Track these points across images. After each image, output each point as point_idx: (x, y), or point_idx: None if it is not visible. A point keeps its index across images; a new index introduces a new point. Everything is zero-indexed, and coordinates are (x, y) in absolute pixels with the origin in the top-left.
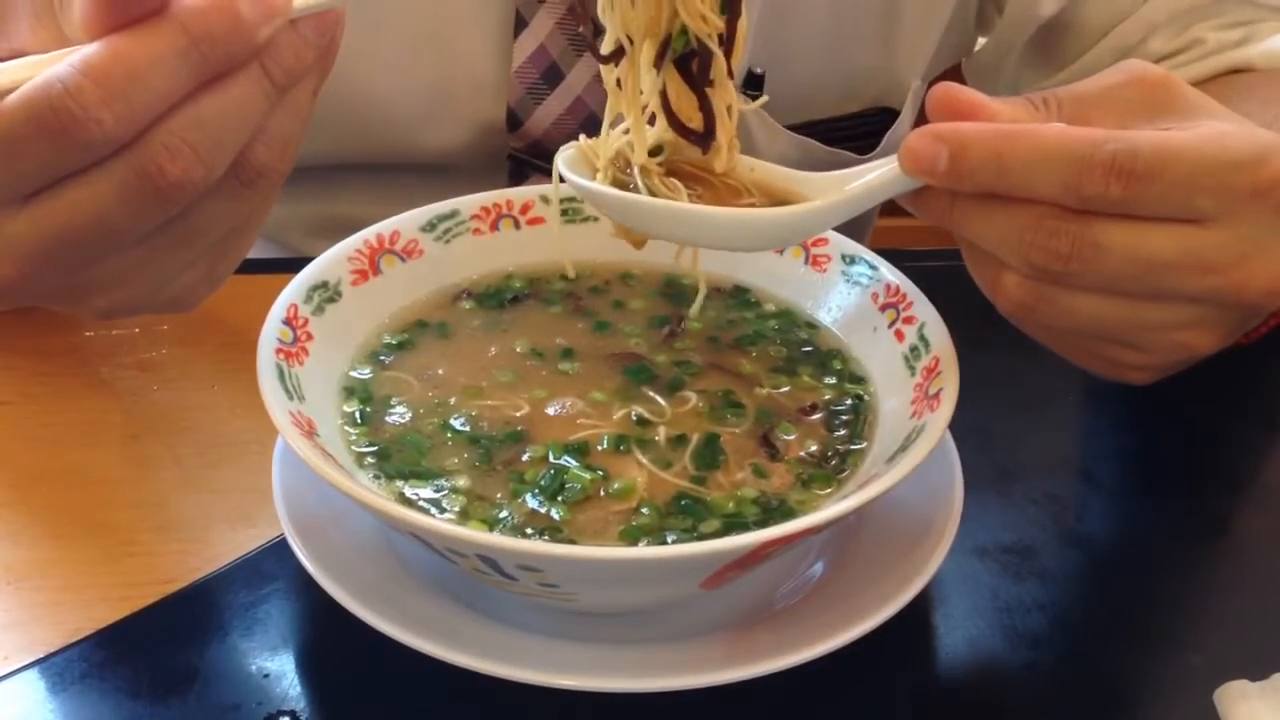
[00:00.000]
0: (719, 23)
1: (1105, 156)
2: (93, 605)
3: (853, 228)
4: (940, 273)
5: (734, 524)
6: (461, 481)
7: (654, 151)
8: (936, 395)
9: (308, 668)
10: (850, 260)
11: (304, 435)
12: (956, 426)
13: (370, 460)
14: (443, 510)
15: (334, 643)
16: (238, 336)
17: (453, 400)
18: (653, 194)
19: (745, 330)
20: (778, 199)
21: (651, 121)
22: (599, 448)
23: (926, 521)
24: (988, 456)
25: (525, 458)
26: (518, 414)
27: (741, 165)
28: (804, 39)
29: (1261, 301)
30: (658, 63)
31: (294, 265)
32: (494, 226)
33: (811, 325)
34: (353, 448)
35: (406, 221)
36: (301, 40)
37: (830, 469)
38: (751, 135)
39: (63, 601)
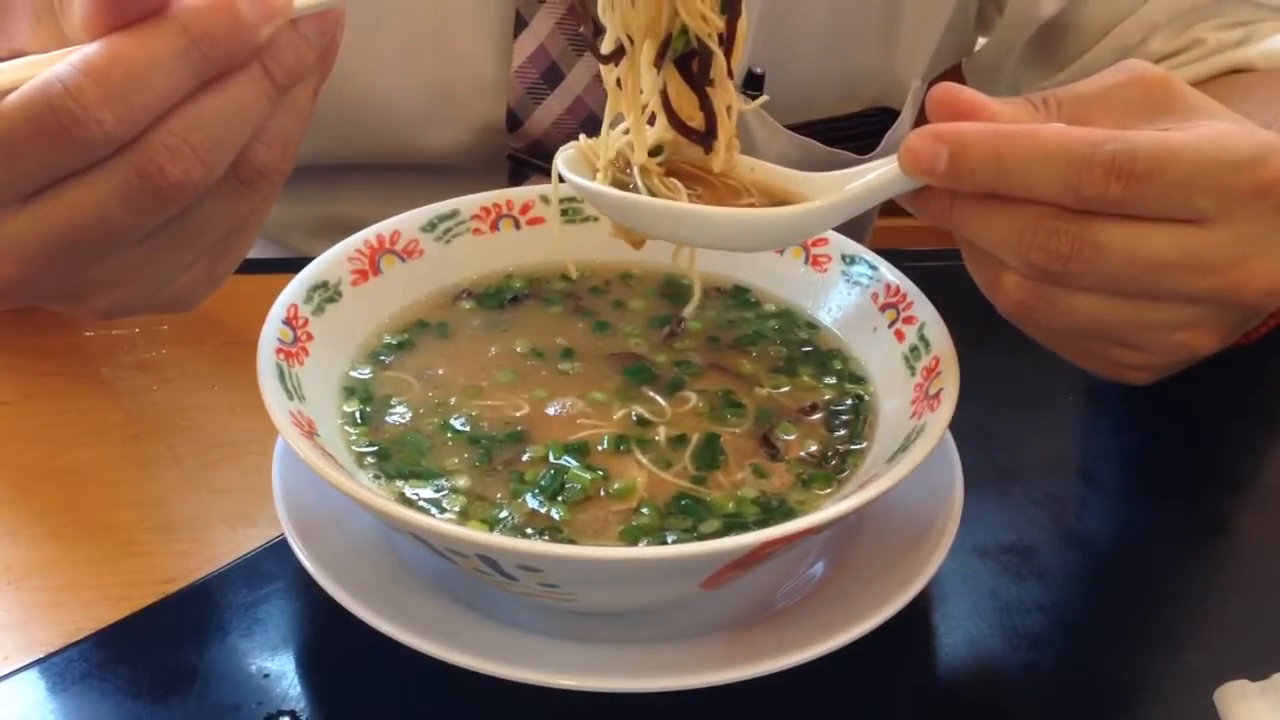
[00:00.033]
0: (719, 22)
1: (1105, 156)
2: (93, 605)
3: (853, 228)
4: (940, 273)
5: (734, 524)
6: (461, 481)
7: (654, 151)
8: (936, 395)
9: (308, 668)
10: (850, 260)
11: (304, 435)
12: (956, 426)
13: (370, 460)
14: (443, 510)
15: (334, 643)
16: (238, 336)
17: (453, 400)
18: (652, 194)
19: (745, 330)
20: (778, 199)
21: (651, 121)
22: (599, 448)
23: (926, 521)
24: (988, 456)
25: (525, 458)
26: (518, 414)
27: (741, 165)
28: (804, 39)
29: (1261, 301)
30: (658, 62)
31: (294, 265)
32: (494, 226)
33: (811, 325)
34: (353, 448)
35: (406, 221)
36: (302, 40)
37: (830, 469)
38: (751, 135)
39: (63, 601)
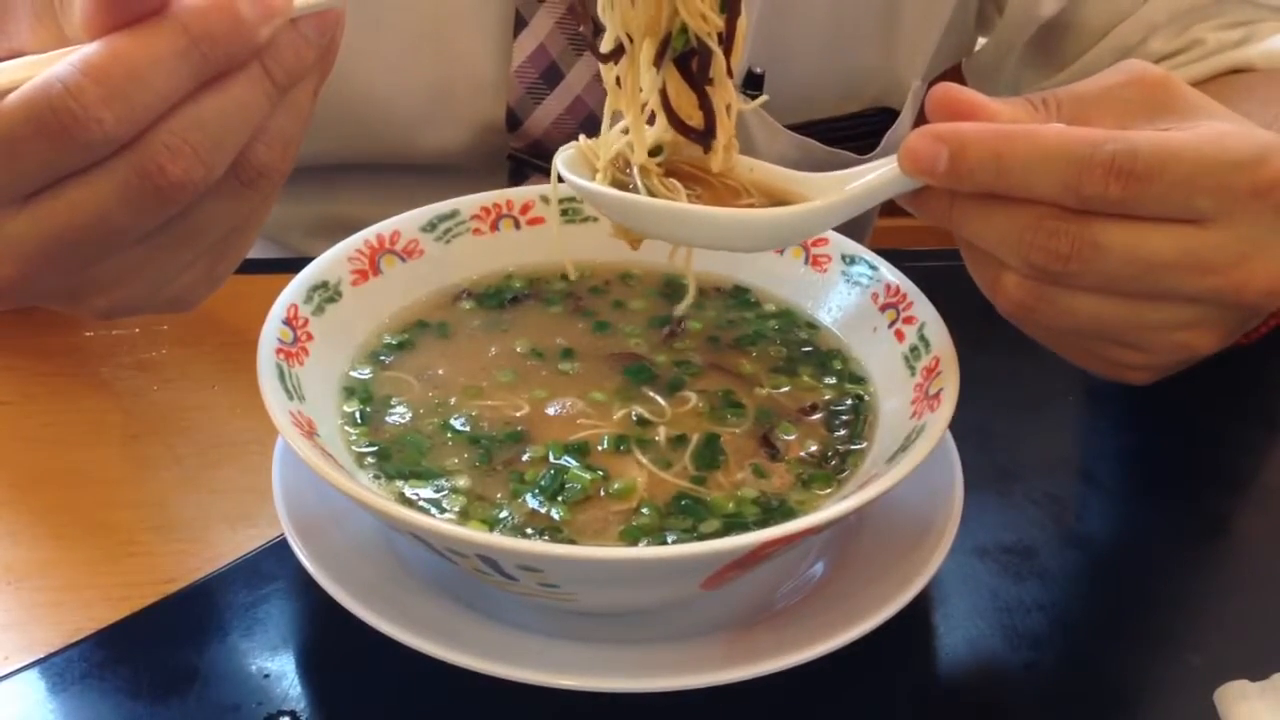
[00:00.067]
0: (719, 21)
1: (1105, 157)
2: (93, 605)
3: (853, 228)
4: (940, 273)
5: (734, 524)
6: (462, 481)
7: (653, 152)
8: (936, 395)
9: (308, 668)
10: (850, 260)
11: (304, 435)
12: (956, 426)
13: (370, 460)
14: (443, 510)
15: (334, 643)
16: (238, 336)
17: (453, 400)
18: (652, 194)
19: (745, 330)
20: (777, 199)
21: (651, 121)
22: (599, 448)
23: (926, 521)
24: (988, 456)
25: (525, 458)
26: (518, 414)
27: (741, 165)
28: (804, 39)
29: (1261, 301)
30: (657, 61)
31: (294, 265)
32: (494, 226)
33: (811, 325)
34: (353, 448)
35: (406, 221)
36: (302, 40)
37: (830, 469)
38: (751, 135)
39: (63, 601)
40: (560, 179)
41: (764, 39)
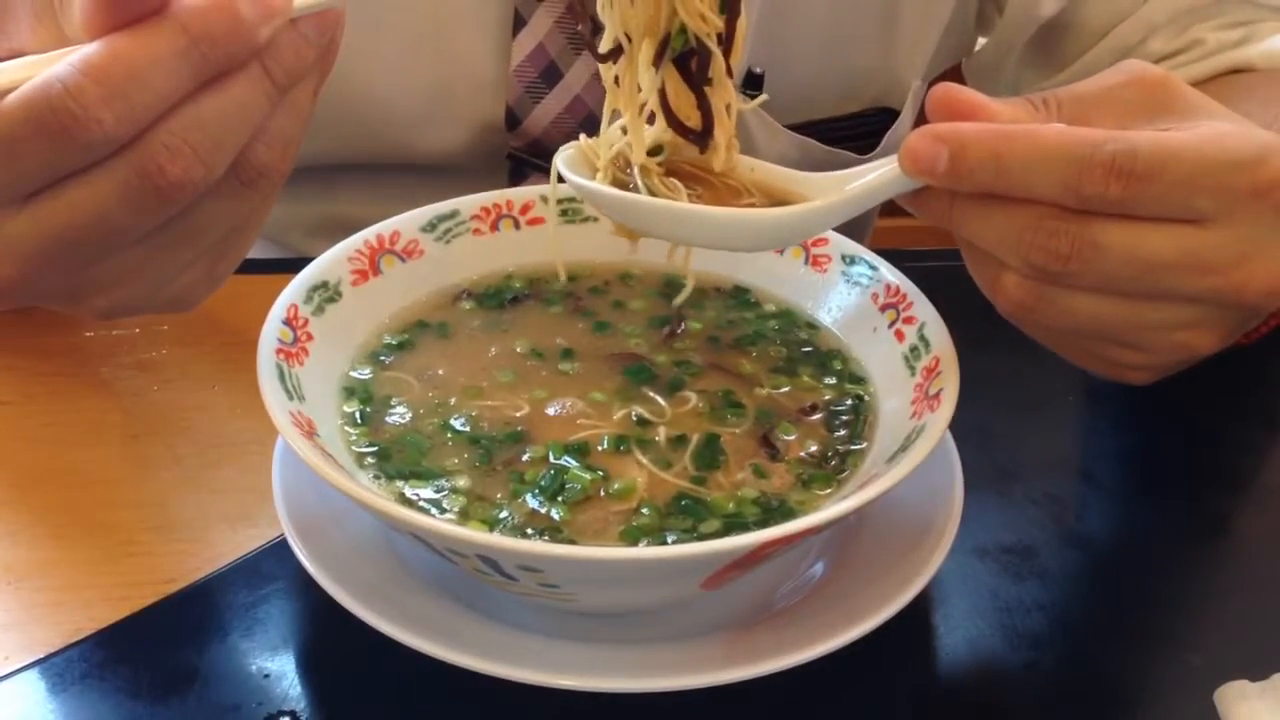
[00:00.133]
0: (718, 22)
1: (1105, 157)
2: (93, 605)
3: (853, 228)
4: (940, 273)
5: (734, 524)
6: (462, 482)
7: (654, 151)
8: (936, 395)
9: (308, 668)
10: (850, 260)
11: (304, 435)
12: (956, 426)
13: (370, 460)
14: (443, 510)
15: (334, 643)
16: (238, 336)
17: (453, 400)
18: (652, 194)
19: (745, 330)
20: (778, 199)
21: (651, 121)
22: (599, 448)
23: (926, 521)
24: (988, 456)
25: (525, 458)
26: (518, 414)
27: (741, 165)
28: (804, 39)
29: (1261, 302)
30: (656, 61)
31: (294, 265)
32: (494, 227)
33: (812, 325)
34: (353, 448)
35: (406, 221)
36: (302, 40)
37: (830, 469)
38: (751, 135)
39: (63, 601)
40: (560, 178)
41: (764, 39)
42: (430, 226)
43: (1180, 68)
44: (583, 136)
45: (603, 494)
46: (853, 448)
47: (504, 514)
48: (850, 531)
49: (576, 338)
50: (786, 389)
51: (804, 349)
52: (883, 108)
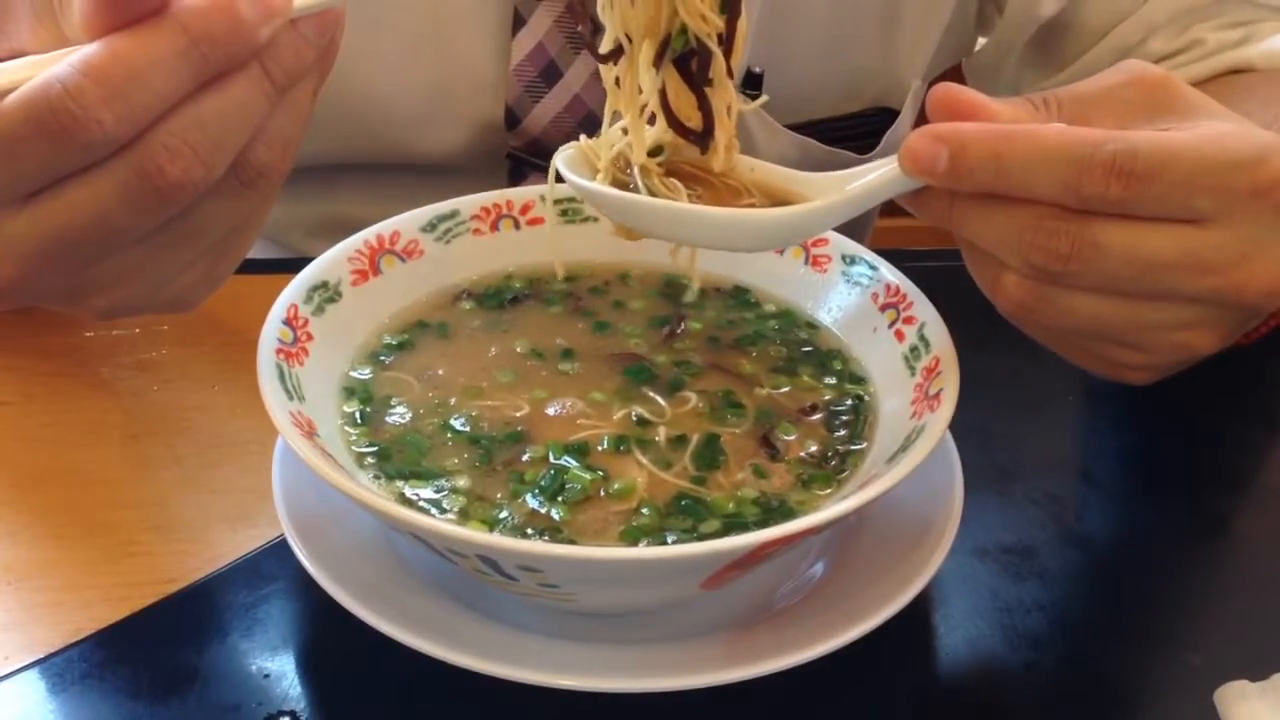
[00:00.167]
0: (718, 22)
1: (1105, 157)
2: (93, 605)
3: (853, 228)
4: (940, 273)
5: (734, 524)
6: (462, 482)
7: (654, 151)
8: (936, 395)
9: (308, 668)
10: (850, 260)
11: (304, 435)
12: (956, 426)
13: (370, 460)
14: (443, 510)
15: (334, 643)
16: (238, 336)
17: (453, 400)
18: (652, 194)
19: (745, 330)
20: (778, 199)
21: (651, 121)
22: (599, 448)
23: (926, 521)
24: (988, 456)
25: (525, 458)
26: (518, 414)
27: (741, 165)
28: (804, 39)
29: (1261, 302)
30: (657, 62)
31: (294, 265)
32: (494, 227)
33: (812, 325)
34: (353, 448)
35: (406, 221)
36: (302, 40)
37: (830, 469)
38: (751, 135)
39: (63, 601)
40: (560, 178)
41: (764, 39)
42: (430, 226)
43: (1180, 68)
44: (583, 137)
45: (603, 494)
46: (853, 448)
47: (504, 514)
48: (850, 531)
49: (576, 338)
50: (786, 389)
51: (804, 349)
52: (883, 108)
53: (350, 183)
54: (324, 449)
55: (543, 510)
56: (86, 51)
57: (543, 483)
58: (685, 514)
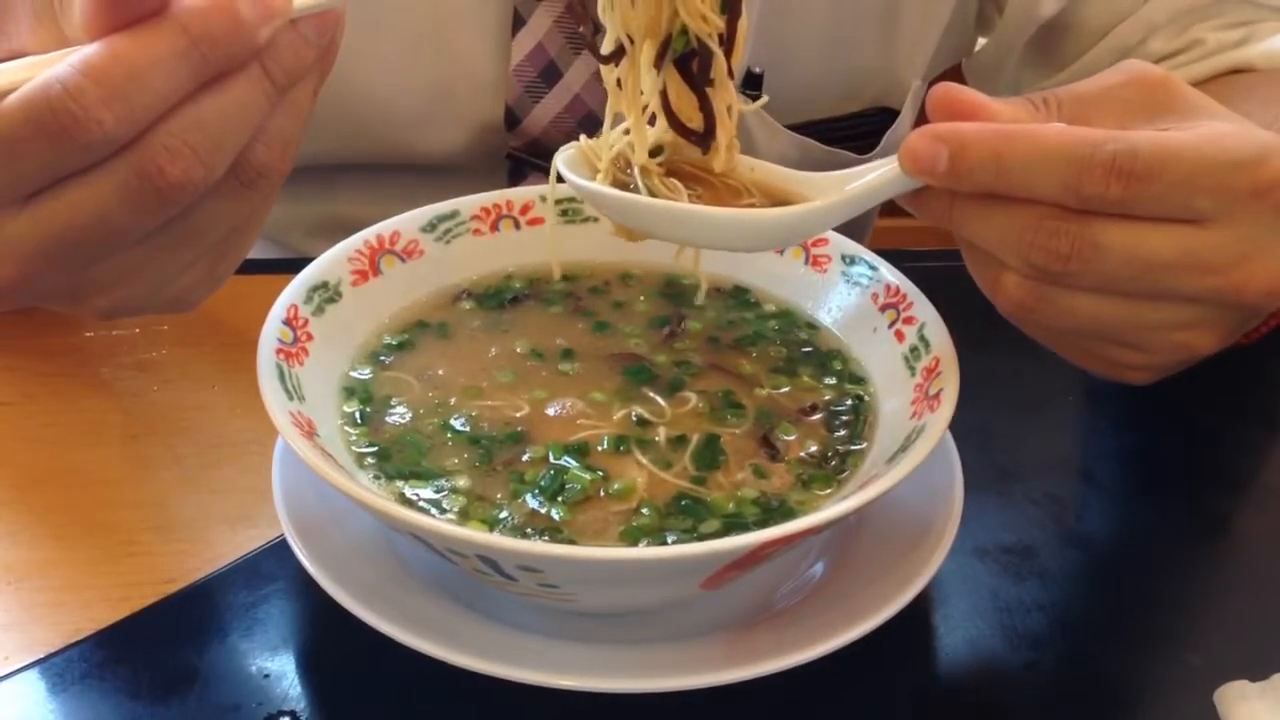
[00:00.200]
0: (719, 23)
1: (1105, 157)
2: (93, 605)
3: (853, 228)
4: (940, 273)
5: (734, 524)
6: (461, 482)
7: (654, 152)
8: (936, 395)
9: (308, 668)
10: (850, 261)
11: (304, 435)
12: (956, 426)
13: (370, 461)
14: (443, 511)
15: (334, 643)
16: (238, 336)
17: (453, 400)
18: (653, 194)
19: (745, 331)
20: (778, 199)
21: (651, 121)
22: (599, 448)
23: (926, 521)
24: (988, 456)
25: (525, 458)
26: (518, 414)
27: (741, 165)
28: (804, 39)
29: (1261, 302)
30: (658, 63)
31: (294, 265)
32: (494, 227)
33: (812, 326)
34: (353, 448)
35: (406, 222)
36: (301, 40)
37: (830, 469)
38: (751, 135)
39: (63, 601)
40: (560, 178)
41: (764, 39)
42: (430, 226)
43: (1180, 68)
44: (583, 137)
45: (603, 494)
46: (853, 448)
47: (504, 514)
48: (850, 531)
49: (576, 338)
50: (786, 389)
51: (804, 349)
52: (883, 108)
53: (350, 183)
54: (324, 449)
55: (543, 510)
56: (86, 52)
57: (543, 483)
58: (685, 514)
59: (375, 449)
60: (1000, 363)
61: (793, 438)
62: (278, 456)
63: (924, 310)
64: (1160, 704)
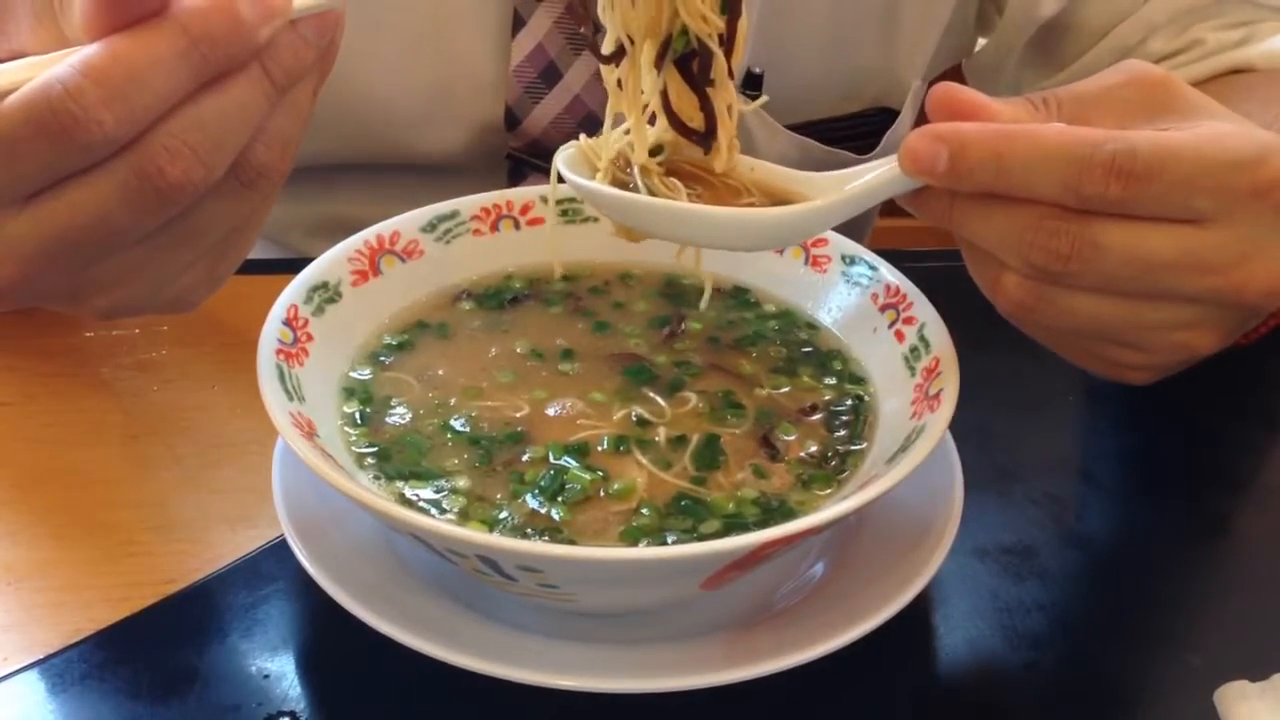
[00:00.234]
0: (719, 23)
1: (1105, 157)
2: (93, 605)
3: (853, 228)
4: (940, 273)
5: (734, 524)
6: (461, 482)
7: (654, 151)
8: (936, 396)
9: (308, 668)
10: (850, 261)
11: (304, 436)
12: (956, 426)
13: (370, 461)
14: (443, 511)
15: (334, 643)
16: (238, 337)
17: (453, 401)
18: (652, 194)
19: (745, 331)
20: (778, 199)
21: (651, 121)
22: (599, 448)
23: (926, 522)
24: (988, 456)
25: (525, 458)
26: (518, 415)
27: (741, 165)
28: (804, 39)
29: (1261, 302)
30: (658, 63)
31: (294, 265)
32: (494, 227)
33: (812, 326)
34: (353, 448)
35: (406, 222)
36: (301, 40)
37: (830, 469)
38: (751, 135)
39: (63, 602)
40: (560, 178)
41: (764, 39)
42: (430, 227)
43: (1180, 68)
44: (582, 136)
45: (603, 494)
46: (853, 448)
47: (504, 514)
48: (850, 531)
49: (576, 338)
50: (786, 389)
51: (804, 349)
52: (883, 108)
53: (350, 183)
54: (324, 449)
55: (543, 510)
56: (87, 52)
57: (543, 483)
58: (685, 514)
59: (375, 449)
60: (1000, 363)
61: (793, 438)
62: (278, 457)
63: (924, 310)
64: (1160, 704)
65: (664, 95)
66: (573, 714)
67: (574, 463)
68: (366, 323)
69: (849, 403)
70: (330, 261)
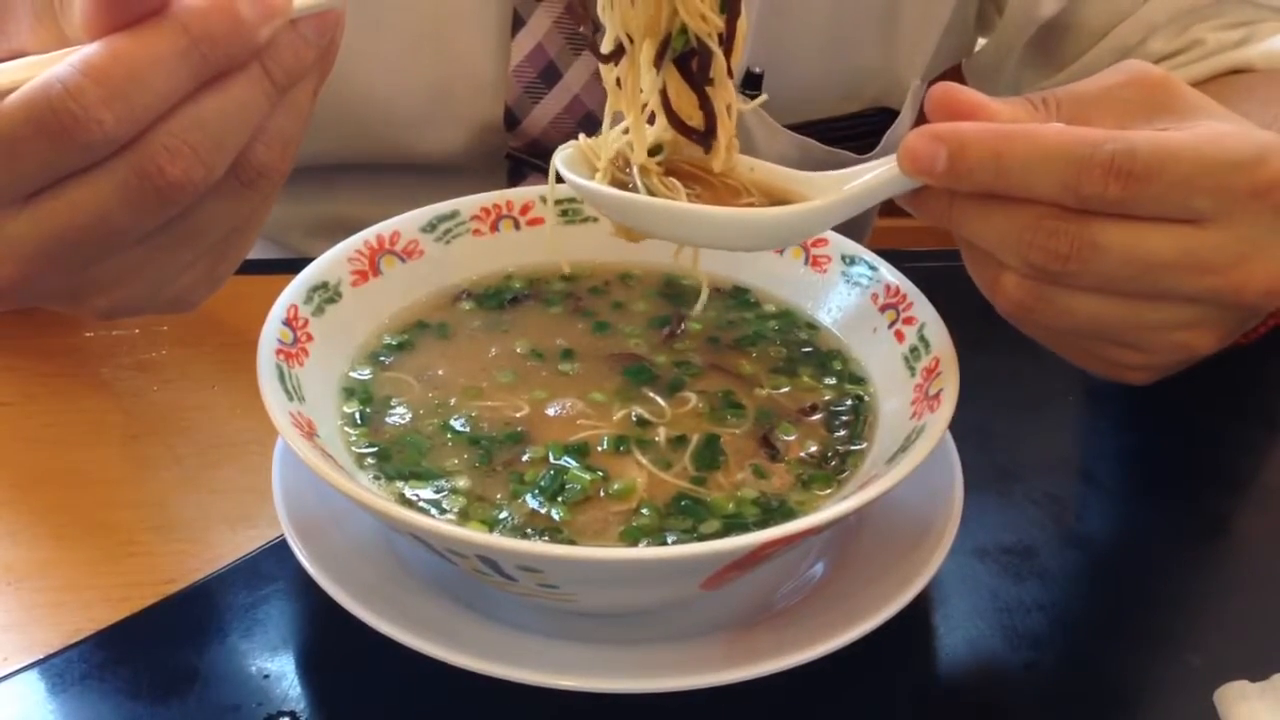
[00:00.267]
0: (719, 22)
1: (1104, 157)
2: (93, 605)
3: (852, 228)
4: (940, 273)
5: (734, 524)
6: (461, 482)
7: (653, 151)
8: (936, 396)
9: (308, 668)
10: (850, 261)
11: (304, 436)
12: (956, 426)
13: (370, 461)
14: (443, 511)
15: (334, 643)
16: (238, 337)
17: (453, 401)
18: (652, 193)
19: (745, 331)
20: (777, 199)
21: (651, 121)
22: (599, 448)
23: (926, 522)
24: (988, 456)
25: (525, 458)
26: (518, 415)
27: (741, 165)
28: (804, 39)
29: (1260, 302)
30: (657, 62)
31: (294, 265)
32: (494, 227)
33: (811, 326)
34: (353, 448)
35: (406, 222)
36: (301, 40)
37: (830, 469)
38: (751, 135)
39: (63, 602)
40: (559, 178)
41: (763, 39)
42: (430, 227)
43: (1180, 68)
44: (582, 136)
45: (602, 494)
46: (853, 448)
47: (504, 514)
48: (850, 531)
49: (576, 338)
50: (786, 389)
51: (804, 349)
52: (882, 108)
53: (350, 183)
54: (324, 450)
55: (543, 510)
56: (87, 52)
57: (543, 483)
58: (685, 514)
59: (375, 449)
60: (1000, 363)
61: (793, 438)
62: (278, 457)
63: (924, 310)
64: (1160, 704)
65: (663, 94)
66: (573, 714)
67: (574, 463)
68: (366, 323)
69: (849, 403)
70: (330, 261)
